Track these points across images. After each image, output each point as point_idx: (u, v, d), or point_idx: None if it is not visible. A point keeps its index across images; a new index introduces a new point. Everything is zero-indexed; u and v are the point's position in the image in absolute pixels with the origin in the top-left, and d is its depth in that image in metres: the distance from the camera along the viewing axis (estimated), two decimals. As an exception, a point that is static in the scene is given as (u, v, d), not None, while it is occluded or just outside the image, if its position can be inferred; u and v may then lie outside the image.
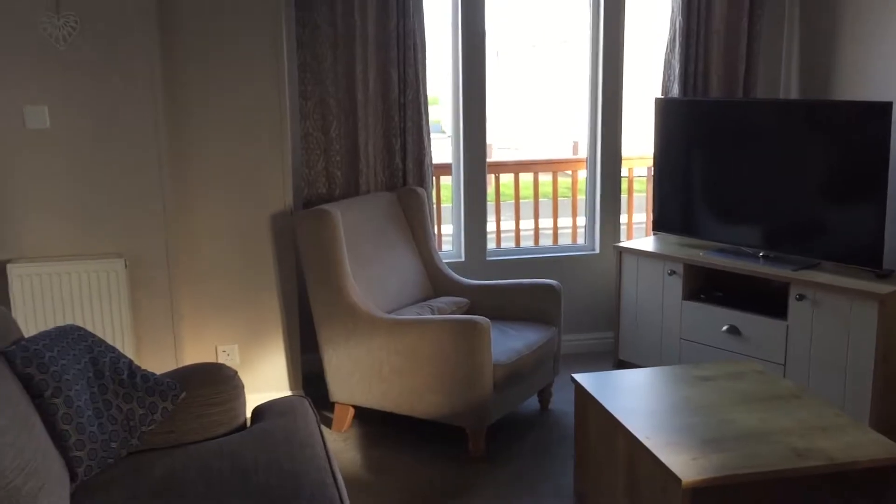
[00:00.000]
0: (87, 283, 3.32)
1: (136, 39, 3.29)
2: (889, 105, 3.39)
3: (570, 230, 5.21)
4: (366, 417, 3.73)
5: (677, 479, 2.29)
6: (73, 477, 2.23)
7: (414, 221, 4.04)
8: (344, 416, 3.63)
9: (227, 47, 3.52)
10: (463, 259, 4.43)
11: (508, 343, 3.49)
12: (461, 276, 4.06)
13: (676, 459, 2.38)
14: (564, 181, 5.45)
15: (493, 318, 3.69)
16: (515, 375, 3.43)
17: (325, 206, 3.56)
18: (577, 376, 3.04)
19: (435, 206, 4.42)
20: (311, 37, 3.86)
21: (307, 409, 2.66)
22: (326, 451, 2.41)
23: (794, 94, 4.43)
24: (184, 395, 2.55)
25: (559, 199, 5.09)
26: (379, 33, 3.96)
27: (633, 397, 2.92)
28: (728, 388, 2.92)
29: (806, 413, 2.70)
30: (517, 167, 5.42)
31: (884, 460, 2.41)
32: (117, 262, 3.35)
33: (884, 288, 3.40)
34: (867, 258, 3.54)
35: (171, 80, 3.45)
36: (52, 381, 2.25)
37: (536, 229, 5.02)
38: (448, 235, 4.64)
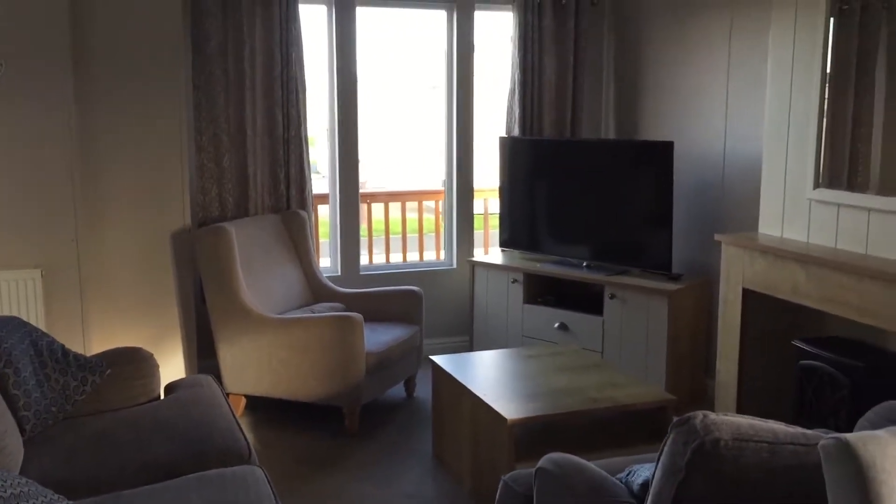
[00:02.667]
0: (7, 290, 3.79)
1: (53, 76, 3.82)
2: (671, 144, 4.36)
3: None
4: (256, 405, 4.32)
5: (504, 419, 3.05)
6: (21, 432, 2.75)
7: (297, 239, 4.69)
8: (237, 405, 4.20)
9: (134, 86, 4.09)
10: (339, 273, 5.11)
11: (378, 337, 4.19)
12: (338, 286, 4.73)
13: (504, 406, 3.14)
14: (429, 217, 6.27)
15: (365, 319, 4.36)
16: (384, 363, 4.13)
17: (223, 224, 4.18)
18: (434, 357, 3.79)
19: (314, 231, 5.09)
20: (206, 81, 4.49)
21: (211, 382, 3.27)
22: (231, 409, 3.02)
23: (611, 135, 5.39)
24: (109, 371, 3.10)
25: (424, 233, 5.88)
26: (265, 79, 4.63)
27: (477, 371, 3.67)
28: (548, 362, 3.73)
29: (604, 376, 3.53)
30: (387, 197, 6.19)
31: (655, 402, 3.26)
32: (34, 272, 3.84)
33: (672, 287, 4.33)
34: (661, 265, 4.48)
35: (85, 111, 3.99)
36: (4, 355, 2.77)
37: (404, 249, 5.76)
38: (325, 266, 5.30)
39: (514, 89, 5.21)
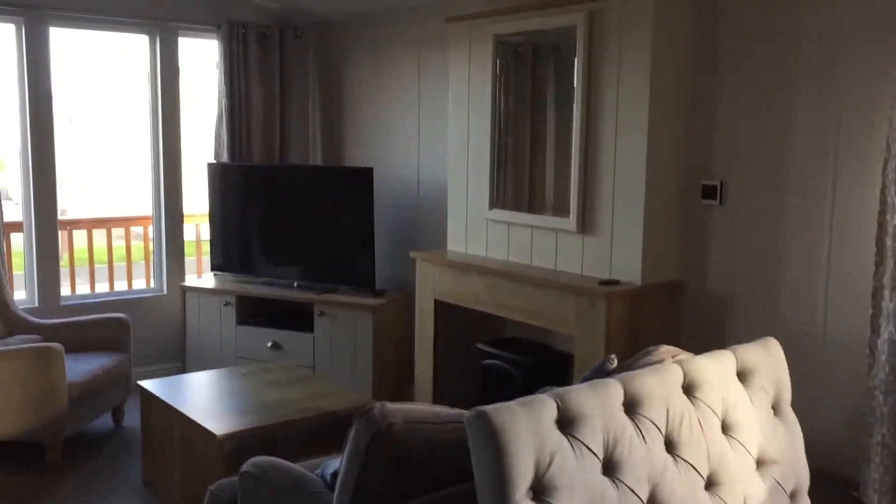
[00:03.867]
0: None
1: None
2: (370, 170, 4.73)
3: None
4: (-60, 451, 3.98)
5: (213, 434, 3.15)
6: None
7: (-14, 270, 4.40)
8: (-83, 452, 3.85)
9: None
10: (37, 305, 4.84)
11: (81, 367, 4.08)
12: (36, 318, 4.50)
13: (214, 424, 3.25)
14: (137, 244, 6.13)
15: (67, 349, 4.20)
16: (89, 393, 4.02)
17: None
18: (142, 382, 3.77)
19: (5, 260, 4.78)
20: None
21: None
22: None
23: (319, 161, 5.68)
24: None
25: (133, 261, 5.75)
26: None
27: (187, 393, 3.73)
28: (260, 378, 3.88)
29: (313, 388, 3.76)
30: (90, 224, 5.95)
31: (356, 406, 3.53)
32: None
33: (376, 302, 4.68)
34: (366, 282, 4.82)
35: None
36: None
37: (111, 277, 5.59)
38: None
39: (222, 115, 5.31)
